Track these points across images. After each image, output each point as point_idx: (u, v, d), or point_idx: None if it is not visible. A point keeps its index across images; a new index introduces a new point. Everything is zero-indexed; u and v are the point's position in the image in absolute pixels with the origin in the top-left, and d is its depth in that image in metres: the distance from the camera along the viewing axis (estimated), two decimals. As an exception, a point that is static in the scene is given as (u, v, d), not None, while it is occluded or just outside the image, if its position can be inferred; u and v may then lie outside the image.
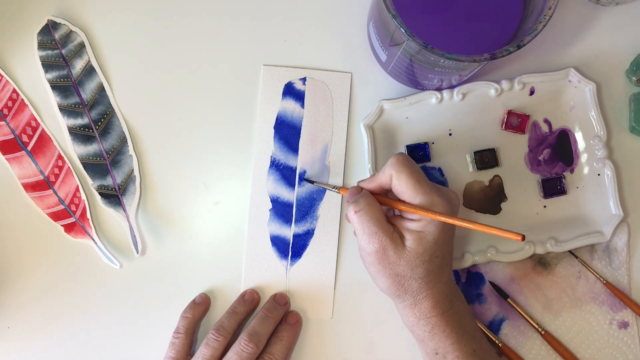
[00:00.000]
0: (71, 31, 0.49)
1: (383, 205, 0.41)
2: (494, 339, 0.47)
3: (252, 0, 0.50)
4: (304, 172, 0.49)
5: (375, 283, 0.43)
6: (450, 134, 0.49)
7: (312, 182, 0.49)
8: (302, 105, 0.49)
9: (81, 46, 0.49)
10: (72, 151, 0.49)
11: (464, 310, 0.42)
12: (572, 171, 0.49)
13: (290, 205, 0.49)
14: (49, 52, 0.49)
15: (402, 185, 0.39)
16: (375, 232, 0.39)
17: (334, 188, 0.47)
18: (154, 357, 0.48)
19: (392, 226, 0.40)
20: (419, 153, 0.48)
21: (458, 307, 0.42)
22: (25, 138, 0.49)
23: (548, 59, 0.49)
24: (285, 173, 0.49)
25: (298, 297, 0.49)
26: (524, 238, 0.35)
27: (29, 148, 0.49)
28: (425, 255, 0.39)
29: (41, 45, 0.49)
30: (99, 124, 0.49)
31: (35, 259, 0.49)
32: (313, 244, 0.49)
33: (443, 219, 0.38)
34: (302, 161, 0.49)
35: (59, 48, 0.49)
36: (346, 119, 0.49)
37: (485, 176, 0.49)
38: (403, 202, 0.40)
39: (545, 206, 0.49)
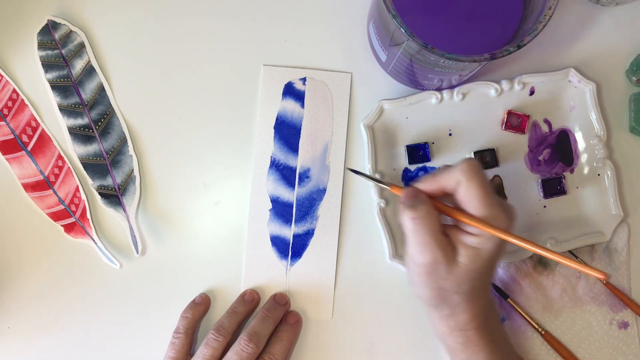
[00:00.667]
0: (71, 31, 0.49)
1: (439, 212, 0.38)
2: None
3: (252, 0, 0.50)
4: (305, 171, 0.49)
5: (413, 289, 0.40)
6: (450, 134, 0.49)
7: (358, 172, 0.43)
8: (302, 105, 0.49)
9: (81, 46, 0.49)
10: (72, 151, 0.49)
11: (496, 323, 0.41)
12: (572, 171, 0.49)
13: (290, 205, 0.49)
14: (49, 52, 0.49)
15: (471, 195, 0.36)
16: (429, 244, 0.36)
17: (385, 184, 0.41)
18: (154, 357, 0.48)
19: (447, 239, 0.37)
20: (419, 153, 0.48)
21: (492, 319, 0.41)
22: (25, 138, 0.49)
23: (548, 59, 0.49)
24: (285, 173, 0.49)
25: (298, 297, 0.49)
26: (607, 277, 0.32)
27: (29, 148, 0.49)
28: (475, 272, 0.37)
29: (41, 45, 0.49)
30: (99, 124, 0.49)
31: (35, 259, 0.49)
32: (313, 244, 0.49)
33: (508, 238, 0.35)
34: (302, 161, 0.49)
35: (59, 48, 0.49)
36: (346, 119, 0.49)
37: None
38: (465, 213, 0.37)
39: (545, 206, 0.49)
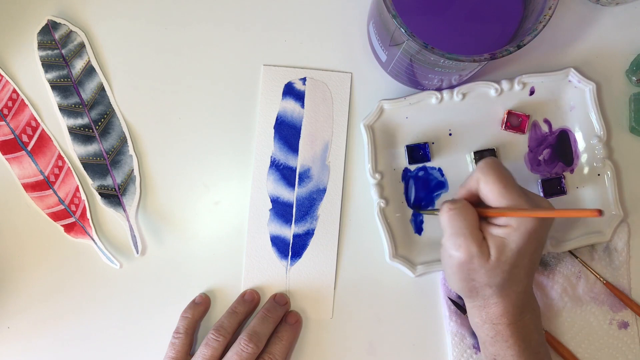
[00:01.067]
0: (71, 31, 0.49)
1: None
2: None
3: (252, 0, 0.50)
4: (305, 171, 0.49)
5: (447, 278, 0.42)
6: (450, 134, 0.49)
7: (420, 212, 0.48)
8: (302, 105, 0.49)
9: (81, 46, 0.49)
10: (72, 151, 0.49)
11: (533, 325, 0.41)
12: (572, 171, 0.49)
13: (290, 206, 0.49)
14: (49, 52, 0.49)
15: (489, 188, 0.38)
16: (465, 235, 0.38)
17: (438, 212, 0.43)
18: (154, 357, 0.48)
19: (482, 234, 0.38)
20: (419, 153, 0.48)
21: (528, 320, 0.40)
22: (25, 138, 0.49)
23: (548, 59, 0.49)
24: (285, 173, 0.49)
25: (298, 297, 0.49)
26: (601, 213, 0.32)
27: (29, 148, 0.49)
28: (505, 264, 0.38)
29: (41, 45, 0.49)
30: (99, 124, 0.49)
31: (35, 259, 0.49)
32: (313, 244, 0.49)
33: (526, 214, 0.37)
34: (302, 161, 0.49)
35: (59, 48, 0.49)
36: (346, 119, 0.49)
37: (485, 176, 0.49)
38: (489, 207, 0.39)
39: (545, 206, 0.49)
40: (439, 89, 0.48)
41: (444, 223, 0.39)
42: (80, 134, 0.49)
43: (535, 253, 0.40)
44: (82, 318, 0.49)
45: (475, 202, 0.40)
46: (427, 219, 0.48)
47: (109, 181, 0.49)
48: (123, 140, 0.49)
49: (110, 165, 0.49)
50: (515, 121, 0.48)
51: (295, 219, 0.49)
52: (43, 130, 0.49)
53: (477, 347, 0.47)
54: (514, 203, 0.37)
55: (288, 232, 0.49)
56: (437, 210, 0.44)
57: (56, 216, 0.49)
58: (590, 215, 0.33)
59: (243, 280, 0.49)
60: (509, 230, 0.37)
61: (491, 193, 0.38)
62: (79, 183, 0.49)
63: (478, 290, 0.39)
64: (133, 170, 0.49)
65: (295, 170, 0.49)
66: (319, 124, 0.49)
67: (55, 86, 0.49)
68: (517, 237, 0.37)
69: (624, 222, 0.48)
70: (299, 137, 0.49)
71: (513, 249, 0.38)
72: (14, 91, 0.49)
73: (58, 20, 0.49)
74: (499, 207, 0.38)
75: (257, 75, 0.50)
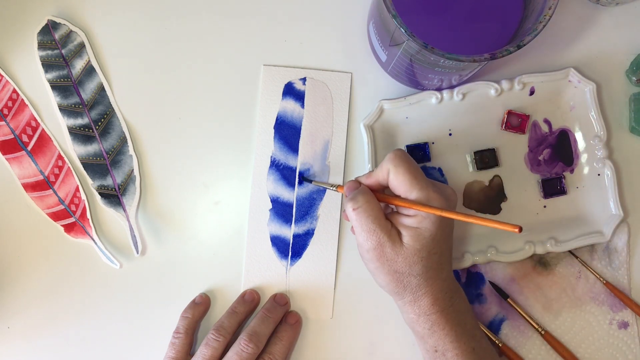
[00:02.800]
0: (71, 31, 0.49)
1: (380, 202, 0.41)
2: (494, 339, 0.47)
3: (252, 0, 0.50)
4: (305, 171, 0.49)
5: (375, 280, 0.42)
6: (450, 134, 0.49)
7: (310, 181, 0.49)
8: (302, 105, 0.49)
9: (81, 46, 0.49)
10: (72, 151, 0.49)
11: (464, 308, 0.42)
12: (572, 171, 0.49)
13: (290, 205, 0.49)
14: (49, 52, 0.49)
15: (399, 180, 0.39)
16: (373, 229, 0.39)
17: (332, 187, 0.46)
18: (154, 357, 0.48)
19: (389, 223, 0.40)
20: (419, 153, 0.48)
21: (458, 304, 0.42)
22: (25, 138, 0.49)
23: (548, 59, 0.49)
24: (285, 173, 0.49)
25: (298, 297, 0.49)
26: (521, 230, 0.34)
27: (29, 148, 0.49)
28: (422, 251, 0.39)
29: (41, 45, 0.49)
30: (99, 124, 0.49)
31: (35, 259, 0.49)
32: (313, 244, 0.49)
33: (437, 212, 0.38)
34: (302, 161, 0.49)
35: (59, 48, 0.49)
36: (346, 119, 0.49)
37: (485, 176, 0.49)
38: (399, 197, 0.40)
39: (545, 206, 0.49)
40: (439, 89, 0.48)
41: (353, 222, 0.40)
42: (80, 134, 0.49)
43: (449, 239, 0.42)
44: (82, 318, 0.49)
45: (379, 190, 0.42)
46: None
47: (109, 181, 0.49)
48: (123, 140, 0.49)
49: (110, 165, 0.49)
50: (515, 121, 0.48)
51: (295, 219, 0.49)
52: (43, 130, 0.49)
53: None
54: (424, 193, 0.39)
55: (288, 232, 0.49)
56: (331, 185, 0.46)
57: (56, 216, 0.49)
58: (510, 230, 0.35)
59: (243, 280, 0.49)
60: (419, 218, 0.39)
61: (402, 184, 0.39)
62: (79, 183, 0.49)
63: (404, 283, 0.40)
64: (133, 170, 0.49)
65: (295, 170, 0.49)
66: (319, 124, 0.49)
67: (55, 86, 0.49)
68: (429, 224, 0.39)
69: (624, 222, 0.48)
70: (299, 137, 0.49)
71: (427, 237, 0.39)
72: (14, 91, 0.49)
73: (58, 20, 0.49)
74: (407, 198, 0.39)
75: (257, 75, 0.50)
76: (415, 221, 0.39)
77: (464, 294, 0.43)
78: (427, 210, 0.38)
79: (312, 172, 0.49)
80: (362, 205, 0.40)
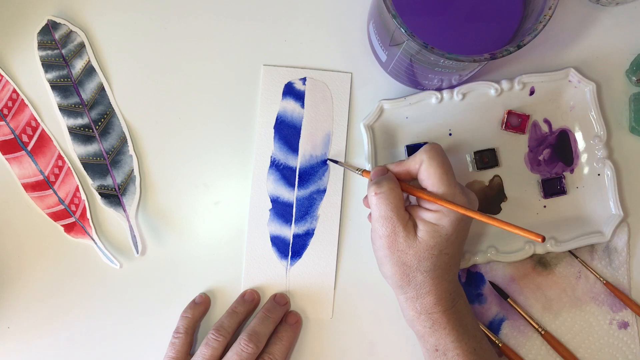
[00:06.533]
0: (71, 31, 0.49)
1: (403, 192, 0.41)
2: (494, 339, 0.47)
3: (252, 0, 0.50)
4: (305, 171, 0.49)
5: (381, 269, 0.42)
6: (450, 134, 0.49)
7: (335, 162, 0.48)
8: (302, 105, 0.49)
9: (81, 46, 0.49)
10: (72, 151, 0.49)
11: (465, 309, 0.42)
12: (572, 171, 0.49)
13: (290, 205, 0.49)
14: (49, 52, 0.49)
15: (430, 172, 0.39)
16: (390, 216, 0.39)
17: (357, 170, 0.45)
18: (154, 357, 0.48)
19: (408, 214, 0.40)
20: (419, 153, 0.48)
21: (460, 305, 0.42)
22: (25, 138, 0.49)
23: (548, 59, 0.49)
24: (285, 173, 0.49)
25: (298, 297, 0.49)
26: (544, 239, 0.34)
27: (29, 148, 0.49)
28: (435, 249, 0.39)
29: (41, 45, 0.49)
30: (99, 124, 0.49)
31: (35, 259, 0.49)
32: (313, 244, 0.49)
33: (461, 210, 0.38)
34: (302, 161, 0.49)
35: (59, 48, 0.49)
36: (346, 119, 0.49)
37: (485, 176, 0.49)
38: (424, 190, 0.40)
39: (545, 206, 0.49)
40: (439, 89, 0.48)
41: (372, 207, 0.40)
42: (80, 134, 0.49)
43: (462, 243, 0.42)
44: (82, 318, 0.49)
45: (406, 180, 0.42)
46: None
47: (109, 181, 0.49)
48: (123, 140, 0.49)
49: (110, 165, 0.49)
50: (515, 121, 0.48)
51: (295, 219, 0.49)
52: (43, 130, 0.49)
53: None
54: (451, 190, 0.39)
55: (288, 232, 0.49)
56: (356, 169, 0.46)
57: (56, 216, 0.49)
58: (533, 239, 0.35)
59: (243, 280, 0.49)
60: (439, 215, 0.39)
61: (432, 176, 0.40)
62: (79, 183, 0.49)
63: (410, 277, 0.40)
64: (133, 170, 0.49)
65: (295, 170, 0.49)
66: (319, 124, 0.49)
67: (55, 86, 0.49)
68: (447, 223, 0.39)
69: (624, 222, 0.48)
70: (299, 137, 0.49)
71: (442, 235, 0.39)
72: (14, 91, 0.49)
73: (58, 20, 0.49)
74: (434, 192, 0.40)
75: (257, 75, 0.50)
76: (435, 217, 0.39)
77: (466, 297, 0.43)
78: (451, 207, 0.38)
79: (312, 172, 0.49)
80: (385, 192, 0.40)
